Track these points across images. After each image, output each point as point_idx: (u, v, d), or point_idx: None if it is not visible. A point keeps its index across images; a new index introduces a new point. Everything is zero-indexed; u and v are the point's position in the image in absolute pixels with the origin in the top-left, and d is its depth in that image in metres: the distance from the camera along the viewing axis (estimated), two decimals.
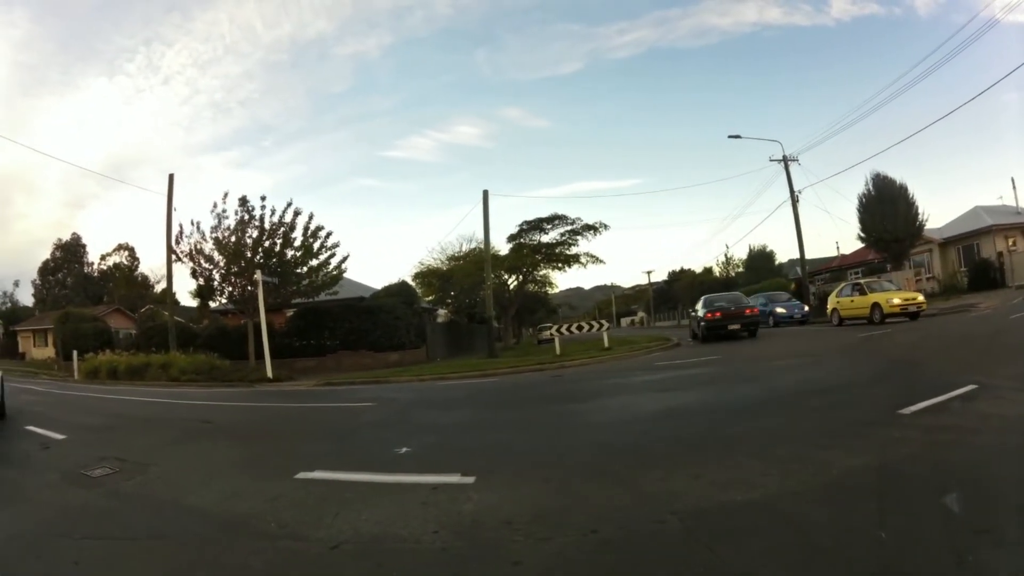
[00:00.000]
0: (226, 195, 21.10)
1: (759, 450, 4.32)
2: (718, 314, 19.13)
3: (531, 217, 32.29)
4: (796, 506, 3.15)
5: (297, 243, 21.35)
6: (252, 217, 21.02)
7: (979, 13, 66.63)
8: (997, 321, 13.68)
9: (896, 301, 18.33)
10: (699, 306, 20.46)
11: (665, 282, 69.70)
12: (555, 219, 31.18)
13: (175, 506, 4.12)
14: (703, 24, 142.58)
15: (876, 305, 18.62)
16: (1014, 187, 35.46)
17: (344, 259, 22.43)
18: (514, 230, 32.29)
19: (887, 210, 28.66)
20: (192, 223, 21.50)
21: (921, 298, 19.04)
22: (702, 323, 19.54)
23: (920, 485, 3.37)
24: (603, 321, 22.77)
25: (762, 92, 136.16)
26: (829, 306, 21.95)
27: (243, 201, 21.03)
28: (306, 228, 21.36)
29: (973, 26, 51.72)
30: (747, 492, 3.40)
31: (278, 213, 21.07)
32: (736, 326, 18.84)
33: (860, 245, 34.78)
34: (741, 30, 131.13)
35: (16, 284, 58.55)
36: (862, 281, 21.78)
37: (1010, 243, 30.49)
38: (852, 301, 20.21)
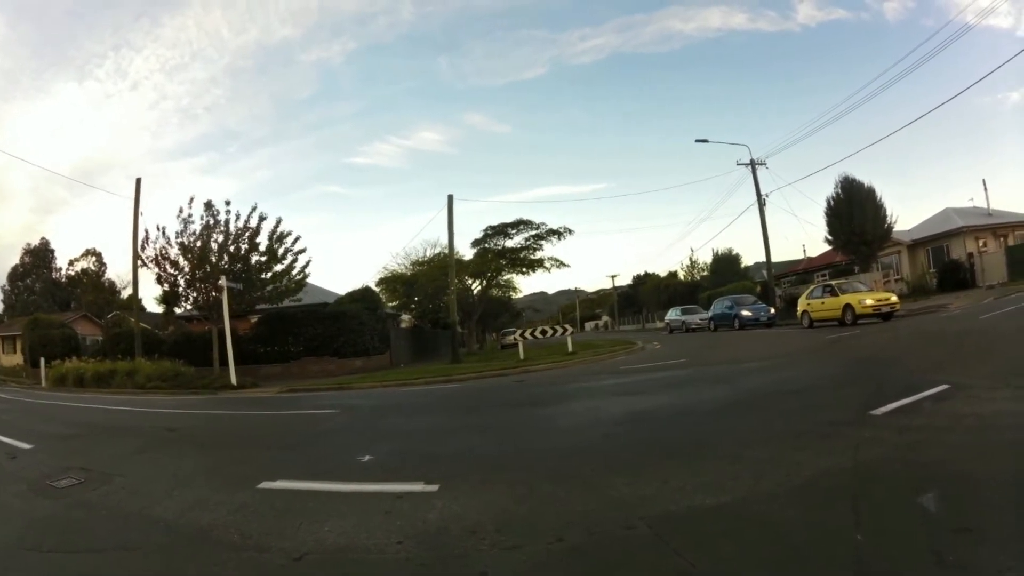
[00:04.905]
0: (192, 200, 20.86)
1: (729, 453, 4.29)
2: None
3: (495, 222, 32.07)
4: (769, 509, 3.11)
5: (262, 248, 21.11)
6: (217, 222, 20.76)
7: (951, 19, 68.44)
8: (968, 321, 13.82)
9: (869, 302, 18.42)
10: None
11: (630, 286, 70.12)
12: (520, 224, 31.06)
13: (140, 517, 4.05)
14: (667, 30, 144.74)
15: (848, 306, 18.73)
16: (985, 189, 36.37)
17: (307, 263, 22.32)
18: (479, 235, 32.10)
19: (855, 212, 29.04)
20: (158, 228, 21.25)
21: (894, 298, 19.19)
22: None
23: (895, 485, 3.36)
24: (567, 326, 22.77)
25: (728, 97, 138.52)
26: (799, 308, 22.01)
27: (208, 206, 20.78)
28: (271, 233, 21.16)
29: (947, 31, 52.98)
30: (718, 496, 3.35)
31: (243, 218, 20.87)
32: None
33: (827, 248, 35.24)
34: (705, 36, 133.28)
35: None
36: (833, 283, 21.90)
37: (980, 244, 31.13)
38: (823, 303, 20.33)
